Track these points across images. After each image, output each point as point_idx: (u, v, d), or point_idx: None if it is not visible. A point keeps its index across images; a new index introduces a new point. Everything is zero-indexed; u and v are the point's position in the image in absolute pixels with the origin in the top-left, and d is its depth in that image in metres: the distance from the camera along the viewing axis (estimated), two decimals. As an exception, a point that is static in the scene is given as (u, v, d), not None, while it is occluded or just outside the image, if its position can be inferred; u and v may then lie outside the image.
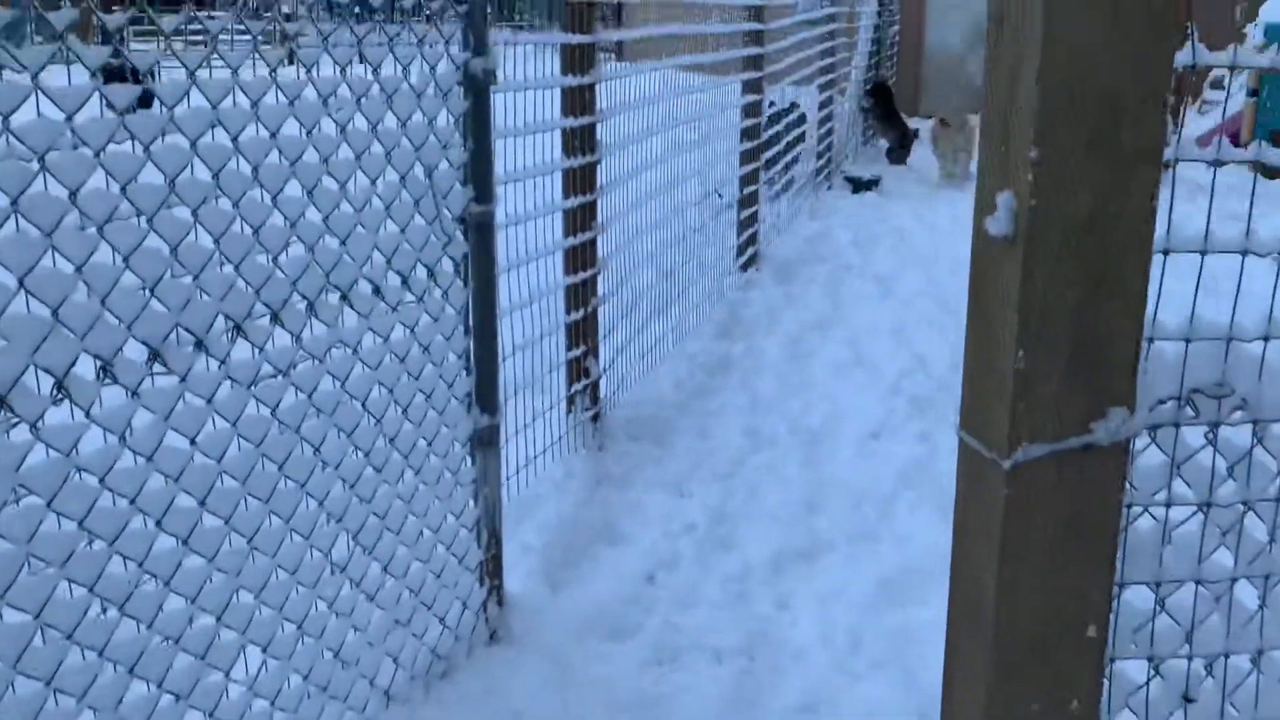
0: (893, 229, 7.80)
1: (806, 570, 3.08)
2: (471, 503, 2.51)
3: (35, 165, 1.39)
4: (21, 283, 1.40)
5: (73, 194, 1.45)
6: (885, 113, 11.11)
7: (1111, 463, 1.34)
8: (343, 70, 1.92)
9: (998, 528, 1.33)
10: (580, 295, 3.56)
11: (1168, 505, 1.50)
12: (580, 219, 3.50)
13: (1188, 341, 1.44)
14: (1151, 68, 1.20)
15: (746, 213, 6.15)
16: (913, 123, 14.06)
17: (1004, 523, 1.33)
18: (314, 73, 1.87)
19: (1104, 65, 1.18)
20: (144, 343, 1.62)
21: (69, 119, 1.42)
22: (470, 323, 2.43)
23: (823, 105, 8.74)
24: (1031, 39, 1.18)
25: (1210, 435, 1.48)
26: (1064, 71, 1.18)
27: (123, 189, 1.52)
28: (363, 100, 1.99)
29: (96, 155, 1.47)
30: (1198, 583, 1.53)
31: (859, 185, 9.44)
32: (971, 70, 15.20)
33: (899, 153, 11.01)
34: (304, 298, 1.92)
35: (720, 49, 5.32)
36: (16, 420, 1.42)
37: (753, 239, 6.32)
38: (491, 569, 2.62)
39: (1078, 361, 1.28)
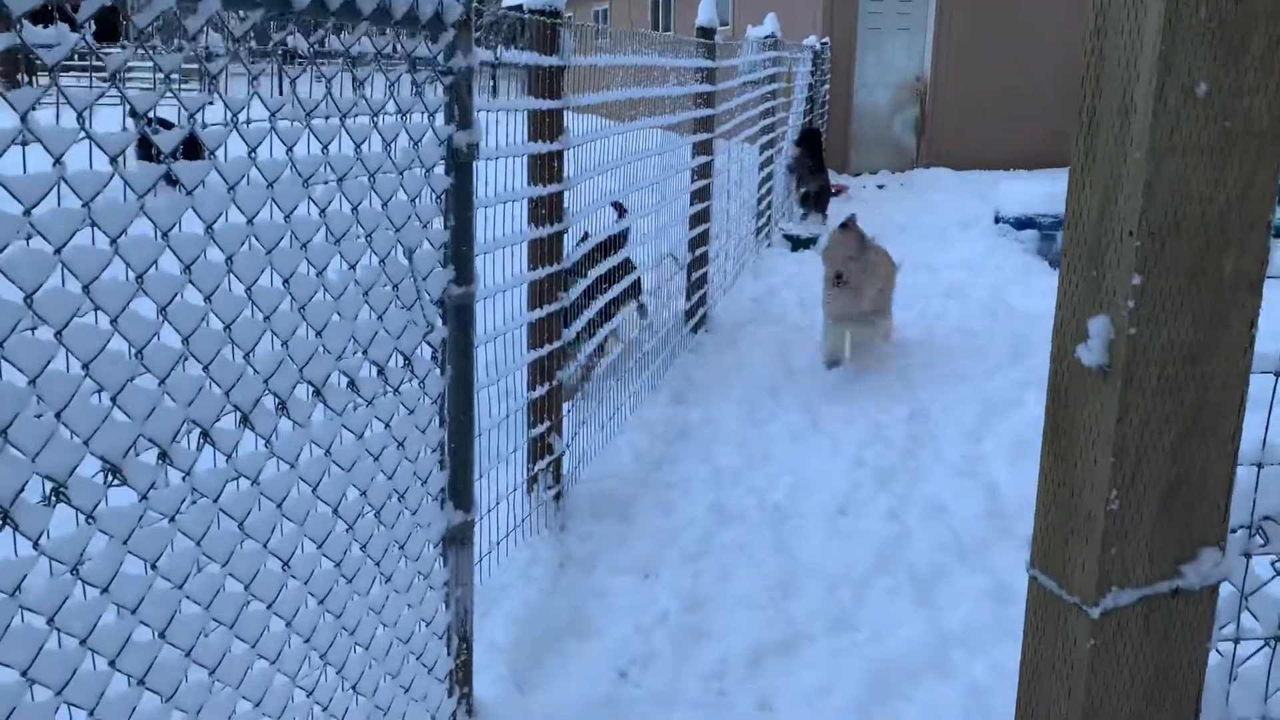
0: (835, 289, 7.79)
1: (787, 664, 2.93)
2: (443, 607, 2.32)
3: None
4: (-34, 402, 1.20)
5: (28, 297, 1.26)
6: (813, 162, 10.54)
7: (1201, 607, 1.24)
8: (325, 148, 1.76)
9: (1082, 679, 1.21)
10: (545, 369, 3.40)
11: (1236, 640, 1.40)
12: (546, 290, 3.35)
13: (1259, 467, 1.35)
14: (1255, 192, 1.11)
15: (697, 274, 6.07)
16: (844, 179, 14.29)
17: (1090, 673, 1.21)
18: (293, 151, 1.70)
19: (1208, 188, 1.09)
20: (101, 458, 1.42)
21: (27, 212, 1.24)
22: (446, 413, 2.26)
23: (763, 165, 8.77)
24: (1131, 160, 1.08)
25: None
26: (1169, 195, 1.08)
27: (85, 288, 1.34)
28: (343, 180, 1.82)
29: (57, 252, 1.29)
30: (1264, 721, 1.43)
31: (798, 243, 9.47)
32: (897, 130, 15.52)
33: (816, 203, 10.55)
34: (275, 396, 1.74)
35: (675, 110, 5.25)
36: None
37: (702, 300, 6.24)
38: (461, 676, 2.42)
39: (1172, 502, 1.18)
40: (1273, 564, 1.40)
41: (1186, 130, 1.07)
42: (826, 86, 13.95)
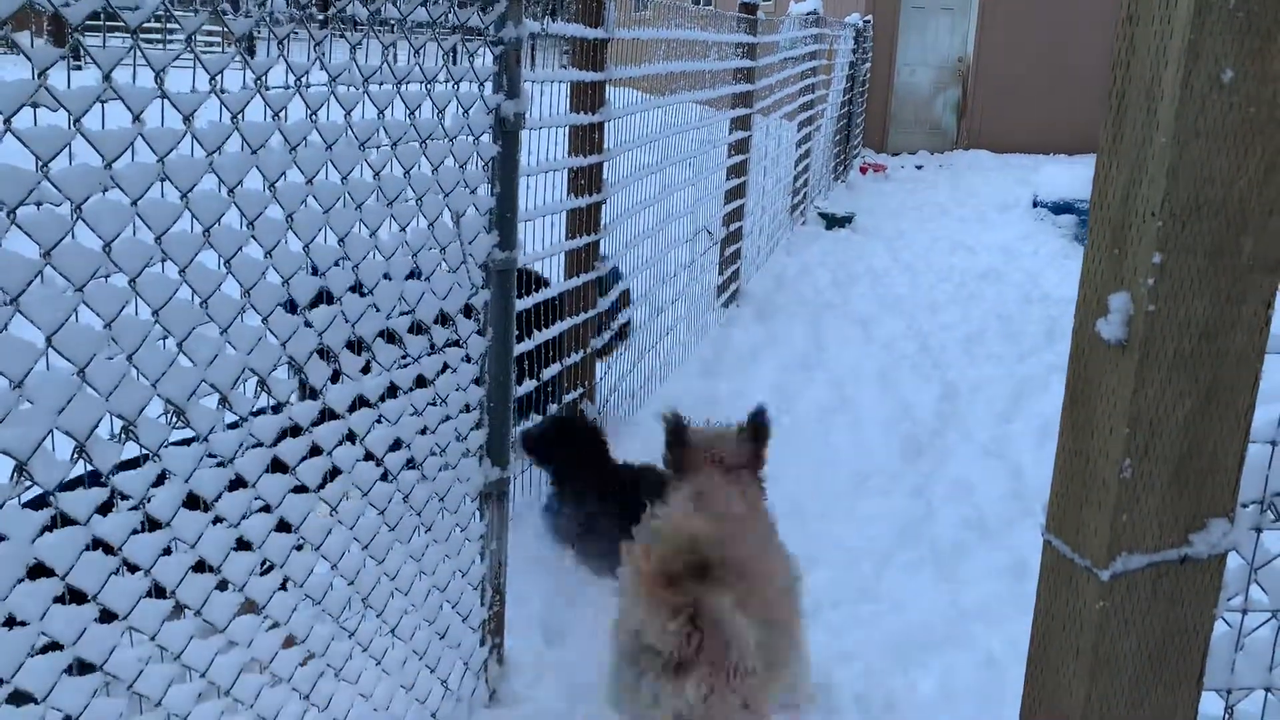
0: (869, 268, 7.81)
1: (808, 631, 3.00)
2: (478, 559, 2.41)
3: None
4: (50, 341, 1.28)
5: (106, 245, 1.34)
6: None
7: (1208, 575, 1.29)
8: (380, 113, 1.83)
9: (1090, 639, 1.27)
10: (580, 336, 3.47)
11: (1244, 611, 1.45)
12: (583, 259, 3.41)
13: (1274, 444, 1.39)
14: (1277, 178, 1.15)
15: (731, 249, 6.11)
16: (881, 158, 14.20)
17: (1098, 634, 1.27)
18: (351, 115, 1.77)
19: (1230, 173, 1.14)
20: (167, 400, 1.51)
21: (107, 166, 1.32)
22: (486, 373, 2.34)
23: (800, 142, 8.77)
24: (1157, 144, 1.13)
25: (1290, 540, 1.44)
26: (1191, 178, 1.13)
27: (157, 239, 1.42)
28: (397, 145, 1.89)
29: (134, 203, 1.37)
30: (1267, 690, 1.48)
31: (832, 221, 9.47)
32: (937, 111, 15.40)
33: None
34: (329, 350, 1.82)
35: (715, 84, 5.28)
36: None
37: (735, 275, 6.28)
38: (494, 627, 2.51)
39: (1183, 473, 1.23)
40: (1283, 539, 1.45)
41: (1211, 116, 1.12)
42: (868, 65, 13.87)
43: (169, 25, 1.47)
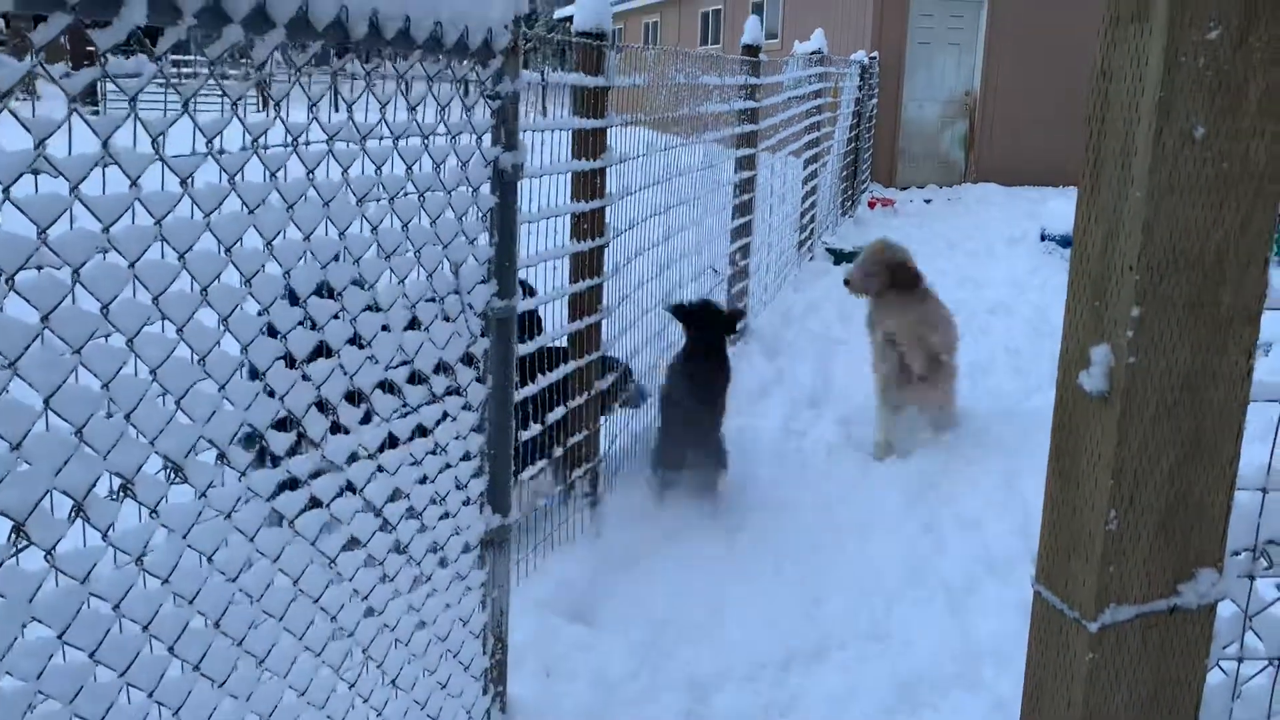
0: (877, 303, 7.81)
1: (816, 669, 3.00)
2: (480, 607, 2.41)
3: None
4: (48, 403, 1.31)
5: (104, 307, 1.37)
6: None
7: (1198, 626, 1.29)
8: (378, 169, 1.86)
9: (1081, 692, 1.27)
10: (584, 378, 3.49)
11: (1239, 660, 1.44)
12: (587, 301, 3.44)
13: (1264, 492, 1.39)
14: (1253, 230, 1.16)
15: (738, 286, 6.14)
16: (890, 193, 14.25)
17: (1088, 687, 1.26)
18: (349, 171, 1.81)
19: (1206, 226, 1.15)
20: (164, 457, 1.53)
21: (105, 229, 1.35)
22: (486, 420, 2.35)
23: (807, 179, 8.82)
24: (1132, 198, 1.15)
25: (1284, 588, 1.43)
26: (1167, 232, 1.14)
27: (155, 299, 1.45)
28: (394, 200, 1.92)
29: (131, 265, 1.40)
30: (1267, 739, 1.47)
31: (840, 257, 9.49)
32: (945, 145, 15.47)
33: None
34: (327, 403, 1.84)
35: (719, 126, 5.34)
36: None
37: (742, 312, 6.30)
38: (495, 675, 2.51)
39: (1169, 523, 1.23)
40: (1277, 585, 1.45)
41: (1185, 171, 1.13)
42: (874, 101, 13.95)
43: (169, 88, 1.50)
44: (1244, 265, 1.16)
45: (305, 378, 1.77)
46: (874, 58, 13.34)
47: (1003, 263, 9.50)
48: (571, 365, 3.33)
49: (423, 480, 2.11)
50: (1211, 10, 1.08)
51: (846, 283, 4.86)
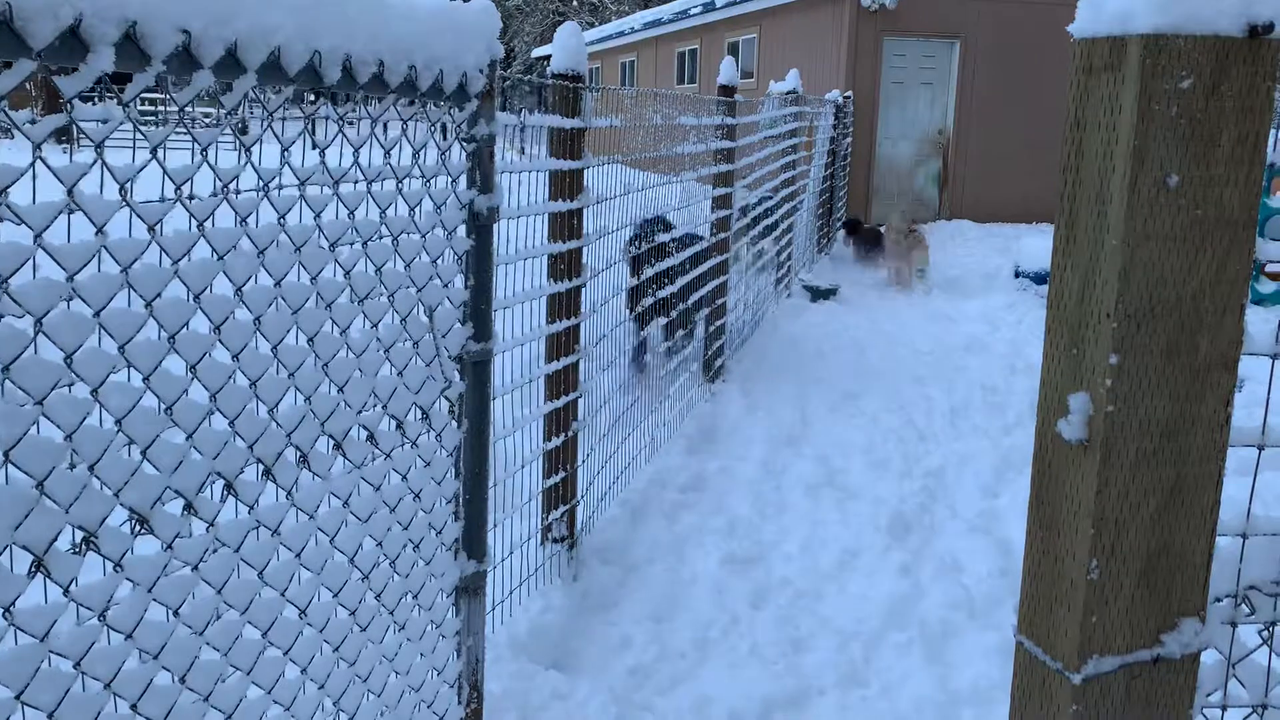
0: (854, 340, 7.85)
1: (796, 718, 2.95)
2: (454, 655, 2.36)
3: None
4: (7, 455, 1.27)
5: (68, 357, 1.34)
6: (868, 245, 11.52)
7: (1182, 675, 1.27)
8: (351, 214, 1.85)
9: (1065, 746, 1.25)
10: (561, 420, 3.46)
11: (1223, 708, 1.43)
12: (564, 342, 3.42)
13: (1244, 537, 1.38)
14: (1228, 277, 1.16)
15: (715, 325, 6.14)
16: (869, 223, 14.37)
17: (1072, 741, 1.24)
18: (321, 215, 1.79)
19: (1182, 274, 1.15)
20: (129, 509, 1.49)
21: (70, 278, 1.32)
22: (461, 465, 2.32)
23: (783, 216, 8.86)
24: (1108, 246, 1.14)
25: (1266, 633, 1.42)
26: (1144, 280, 1.14)
27: (120, 349, 1.42)
28: (368, 243, 1.90)
29: (96, 315, 1.37)
30: (1253, 788, 1.45)
31: (817, 294, 9.54)
32: (919, 183, 15.63)
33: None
34: (297, 450, 1.81)
35: (695, 165, 5.36)
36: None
37: (719, 351, 6.30)
38: (471, 724, 2.46)
39: (1151, 572, 1.22)
40: (1259, 632, 1.44)
41: (1160, 219, 1.13)
42: (849, 139, 14.10)
43: (137, 134, 1.48)
44: (1220, 312, 1.16)
45: (277, 424, 1.74)
46: (848, 97, 13.50)
47: (977, 298, 9.57)
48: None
49: (395, 527, 2.07)
50: (1184, 60, 1.09)
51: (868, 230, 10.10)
